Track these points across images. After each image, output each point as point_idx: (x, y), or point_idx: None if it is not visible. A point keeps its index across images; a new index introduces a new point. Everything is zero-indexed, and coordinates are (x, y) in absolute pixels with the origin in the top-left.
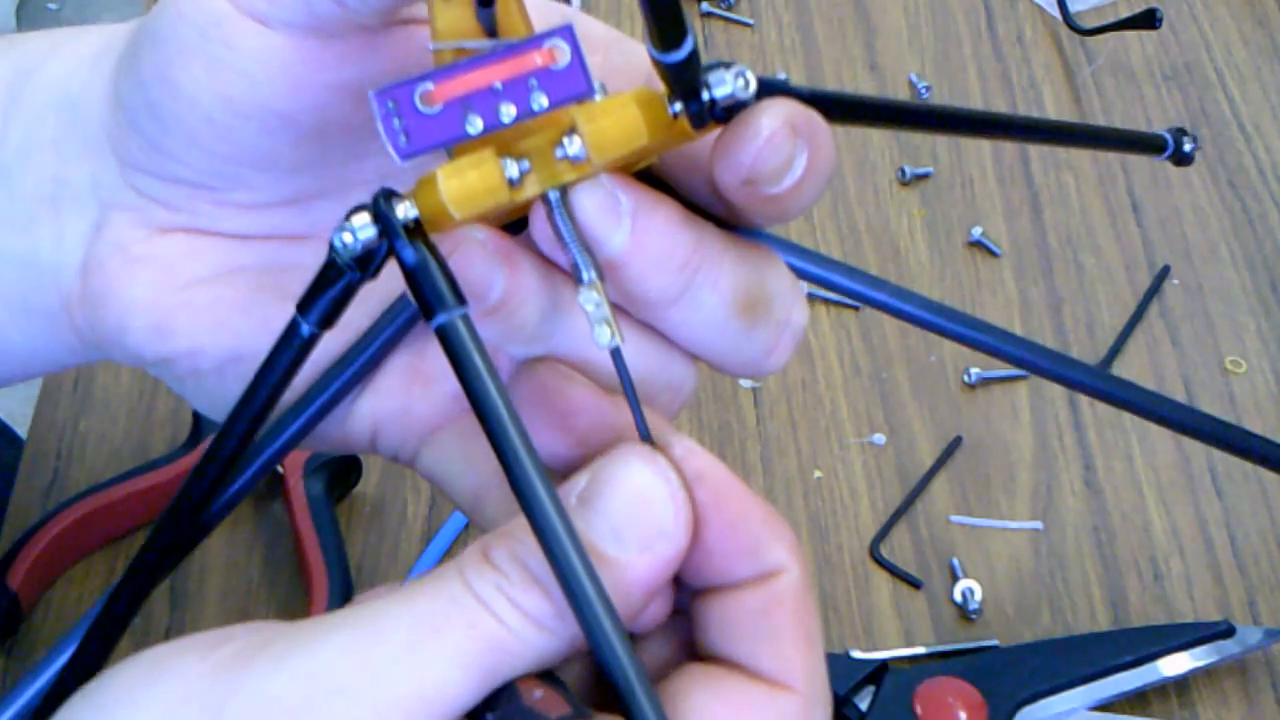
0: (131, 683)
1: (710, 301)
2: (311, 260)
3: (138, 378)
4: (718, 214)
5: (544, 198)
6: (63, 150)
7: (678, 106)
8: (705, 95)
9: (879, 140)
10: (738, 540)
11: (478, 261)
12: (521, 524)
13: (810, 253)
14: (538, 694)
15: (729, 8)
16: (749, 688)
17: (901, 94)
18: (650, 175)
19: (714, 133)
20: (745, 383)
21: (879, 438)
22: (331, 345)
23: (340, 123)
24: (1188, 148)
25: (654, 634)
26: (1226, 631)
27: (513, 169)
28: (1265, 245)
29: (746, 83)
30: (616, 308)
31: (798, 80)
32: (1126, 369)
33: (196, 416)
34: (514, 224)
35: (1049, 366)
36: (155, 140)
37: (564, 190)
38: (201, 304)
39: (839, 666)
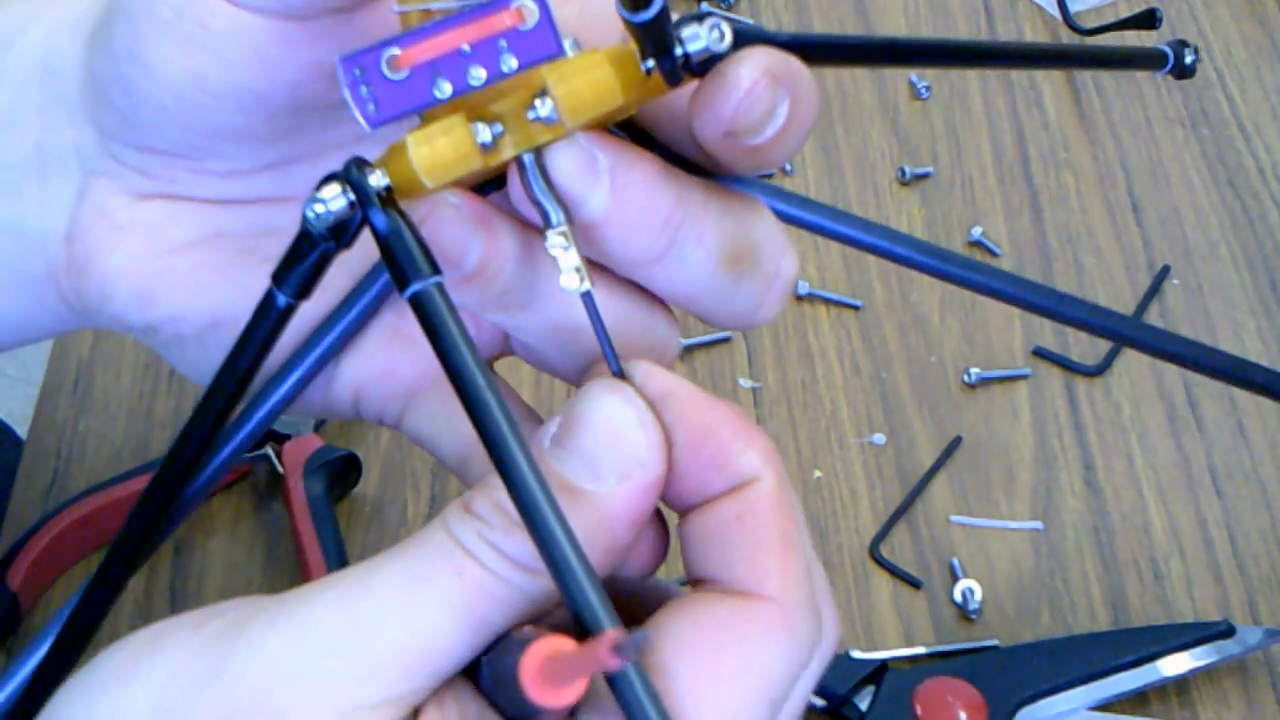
0: (124, 660)
1: (696, 256)
2: (290, 222)
3: (138, 378)
4: (700, 163)
5: (518, 160)
6: (47, 117)
7: (650, 64)
8: (678, 51)
9: (879, 140)
10: (706, 453)
11: (453, 227)
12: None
13: (796, 197)
14: (528, 630)
15: (728, 7)
16: (720, 604)
17: (901, 94)
18: (630, 126)
19: (693, 82)
20: (745, 383)
21: (879, 438)
22: (311, 309)
23: (314, 99)
24: (1189, 59)
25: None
26: (1226, 631)
27: (485, 133)
28: (1265, 245)
29: (721, 35)
30: (599, 266)
31: None
32: (1127, 368)
33: None
34: (492, 181)
35: (1049, 305)
36: (126, 113)
37: (539, 151)
38: (182, 270)
39: (839, 666)
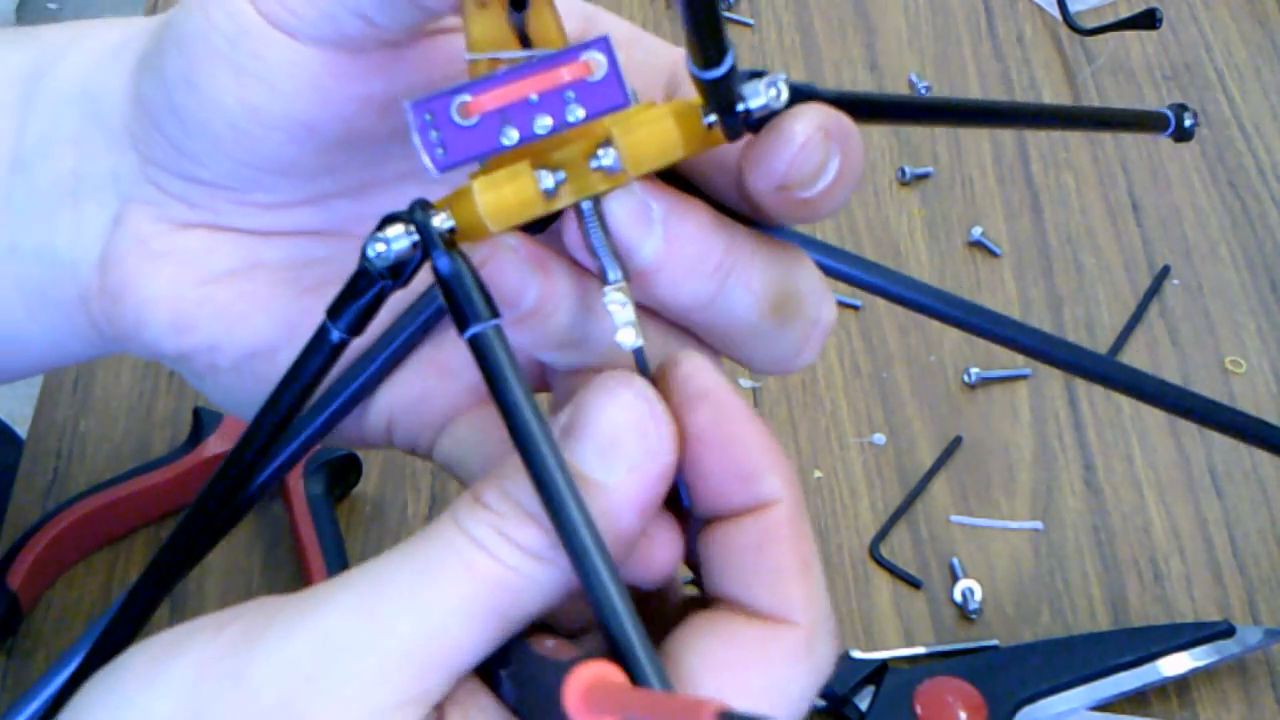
0: (146, 666)
1: (743, 303)
2: (329, 254)
3: (138, 378)
4: (743, 212)
5: (576, 206)
6: (83, 145)
7: (713, 118)
8: (740, 107)
9: (879, 140)
10: (732, 463)
11: (511, 270)
12: (510, 464)
13: (838, 251)
14: (550, 644)
15: (729, 8)
16: (749, 626)
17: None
18: (675, 174)
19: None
20: (745, 382)
21: (879, 438)
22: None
23: (365, 132)
24: (1188, 123)
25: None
26: (1226, 631)
27: (548, 180)
28: (1265, 245)
29: (779, 92)
30: (647, 309)
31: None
32: None
33: (196, 416)
34: (537, 223)
35: (1055, 354)
36: (177, 141)
37: (596, 198)
38: (221, 300)
39: (839, 667)
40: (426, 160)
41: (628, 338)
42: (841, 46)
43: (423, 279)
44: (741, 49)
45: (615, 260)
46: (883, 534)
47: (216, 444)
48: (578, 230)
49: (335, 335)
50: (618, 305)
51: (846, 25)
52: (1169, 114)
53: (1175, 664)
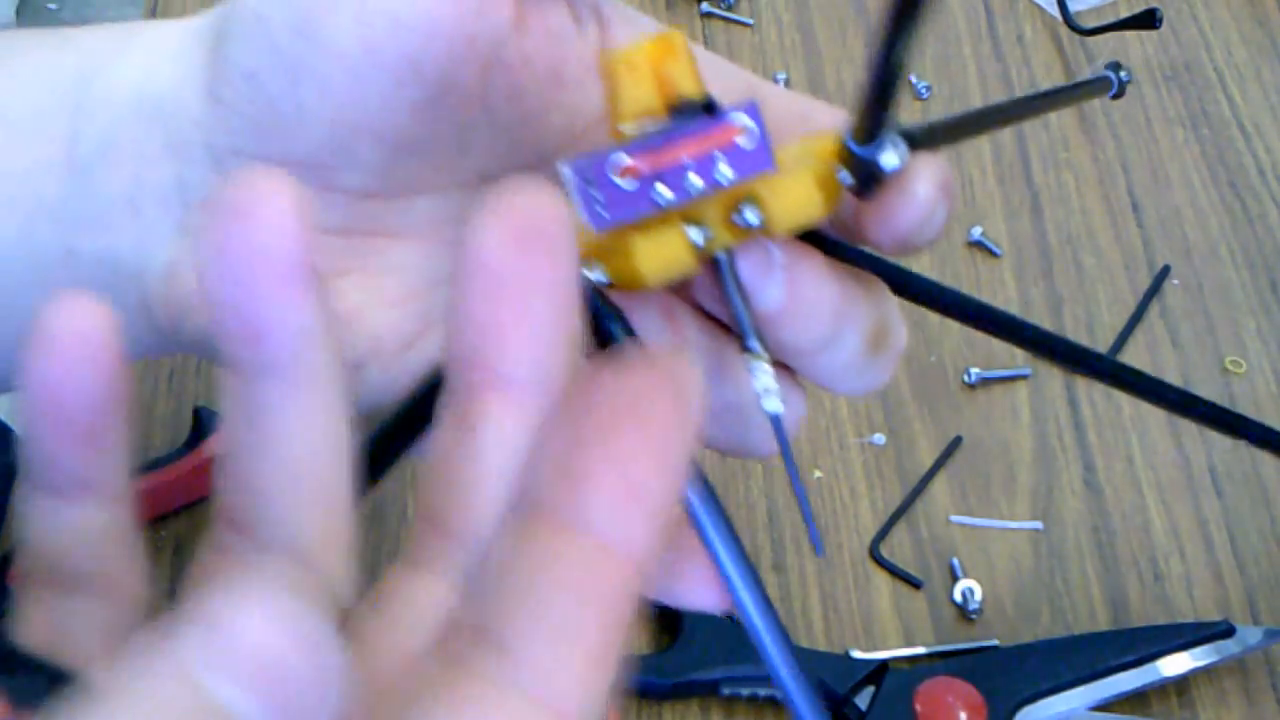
0: None
1: (852, 343)
2: (404, 262)
3: (138, 378)
4: (826, 233)
5: (713, 258)
6: (144, 150)
7: (849, 180)
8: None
9: None
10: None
11: (642, 319)
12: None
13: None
14: None
15: (729, 8)
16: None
17: (902, 94)
18: None
19: None
20: None
21: (879, 438)
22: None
23: (460, 89)
24: (1124, 76)
25: None
26: (1226, 631)
27: (697, 236)
28: (1265, 245)
29: (901, 156)
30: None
31: (798, 81)
32: None
33: (197, 416)
34: None
35: (996, 320)
36: (277, 104)
37: (729, 249)
38: None
39: (839, 666)
40: (585, 219)
41: (772, 405)
42: (842, 46)
43: None
44: (741, 49)
45: (748, 309)
46: (883, 534)
47: (217, 444)
48: (710, 278)
49: None
50: (762, 373)
51: (847, 25)
52: (1111, 76)
53: (1175, 664)
